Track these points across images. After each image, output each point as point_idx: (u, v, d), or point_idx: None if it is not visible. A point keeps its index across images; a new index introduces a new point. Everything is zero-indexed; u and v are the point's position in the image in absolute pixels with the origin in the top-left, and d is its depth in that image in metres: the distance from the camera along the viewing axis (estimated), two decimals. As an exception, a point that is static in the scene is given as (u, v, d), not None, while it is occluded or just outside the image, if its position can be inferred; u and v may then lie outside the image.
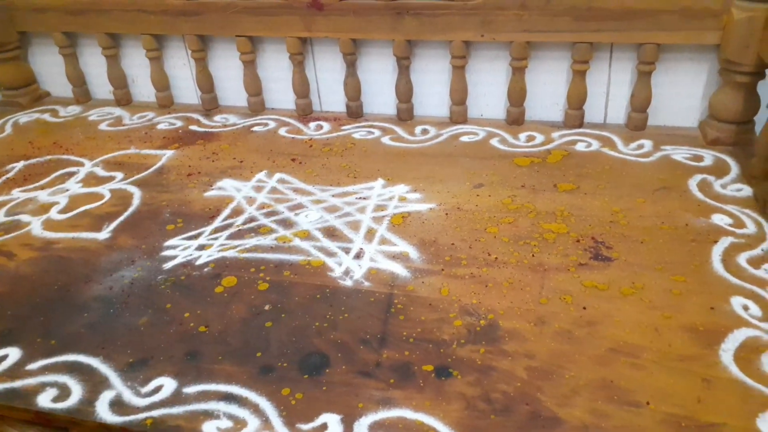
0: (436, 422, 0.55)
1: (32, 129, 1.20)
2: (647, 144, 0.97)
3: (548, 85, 1.04)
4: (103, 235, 0.85)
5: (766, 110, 0.87)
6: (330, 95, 1.18)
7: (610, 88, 1.03)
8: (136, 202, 0.92)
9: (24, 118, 1.25)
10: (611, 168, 0.92)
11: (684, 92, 0.99)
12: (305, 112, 1.17)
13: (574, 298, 0.68)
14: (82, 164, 1.05)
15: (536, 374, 0.59)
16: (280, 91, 1.20)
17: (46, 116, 1.25)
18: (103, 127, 1.18)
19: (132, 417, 0.58)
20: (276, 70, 1.17)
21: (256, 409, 0.57)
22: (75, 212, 0.91)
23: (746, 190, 0.83)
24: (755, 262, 0.71)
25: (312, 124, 1.13)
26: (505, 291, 0.69)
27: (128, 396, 0.60)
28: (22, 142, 1.15)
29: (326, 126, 1.12)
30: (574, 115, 1.03)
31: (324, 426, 0.55)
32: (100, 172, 1.02)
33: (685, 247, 0.74)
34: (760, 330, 0.62)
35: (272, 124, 1.14)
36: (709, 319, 0.63)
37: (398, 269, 0.74)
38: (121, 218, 0.89)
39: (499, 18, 0.97)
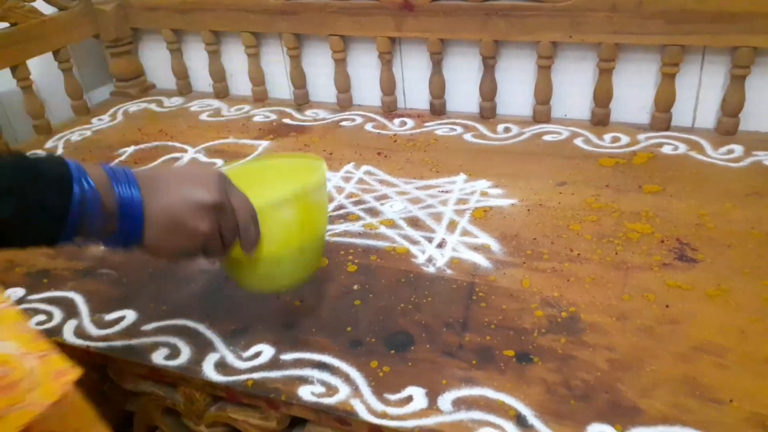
0: (516, 402, 0.57)
1: (141, 117, 1.31)
2: (738, 149, 0.95)
3: (635, 88, 1.04)
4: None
5: None
6: (414, 93, 1.22)
7: (701, 92, 1.01)
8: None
9: (133, 107, 1.36)
10: (699, 172, 0.91)
11: (780, 97, 0.97)
12: (390, 109, 1.22)
13: (657, 296, 0.68)
14: (185, 150, 1.13)
15: (617, 366, 0.60)
16: (366, 89, 1.25)
17: (153, 106, 1.36)
18: (203, 117, 1.27)
19: (235, 378, 0.64)
20: (365, 67, 1.22)
21: (347, 378, 0.62)
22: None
23: None
24: None
25: (396, 120, 1.17)
26: (587, 286, 0.71)
27: (231, 359, 0.66)
28: (132, 129, 1.25)
29: (410, 122, 1.16)
30: (662, 118, 1.02)
31: (410, 398, 0.59)
32: (202, 158, 1.10)
33: (773, 251, 0.73)
34: None
35: (359, 120, 1.19)
36: (800, 325, 0.63)
37: (480, 260, 0.77)
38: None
39: (588, 19, 0.98)
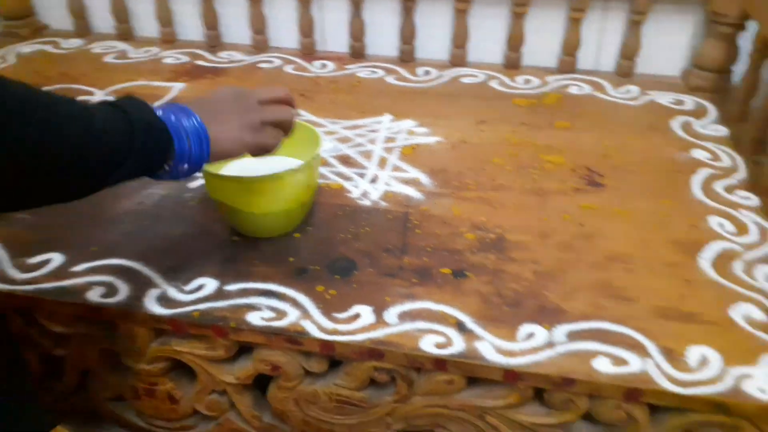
0: (455, 311, 0.63)
1: (36, 59, 1.21)
2: (634, 89, 1.05)
3: (545, 33, 1.10)
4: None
5: (745, 60, 0.95)
6: (333, 35, 1.22)
7: (603, 37, 1.09)
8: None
9: (26, 48, 1.26)
10: (602, 109, 0.99)
11: (670, 42, 1.07)
12: (309, 51, 1.21)
13: (572, 216, 0.76)
14: (92, 93, 1.07)
15: (542, 276, 0.67)
16: (283, 30, 1.23)
17: (49, 47, 1.26)
18: (108, 59, 1.20)
19: (180, 309, 0.64)
20: (281, 8, 1.20)
21: (294, 303, 0.64)
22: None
23: (722, 131, 0.92)
24: (729, 189, 0.80)
25: (316, 63, 1.17)
26: (511, 211, 0.77)
27: (173, 293, 0.66)
28: (28, 71, 1.16)
29: (330, 65, 1.16)
30: (568, 61, 1.10)
31: (357, 315, 0.63)
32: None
33: (669, 177, 0.82)
34: (732, 242, 0.71)
35: (277, 62, 1.18)
36: (690, 234, 0.72)
37: (411, 192, 0.81)
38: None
39: (503, -36, 1.03)
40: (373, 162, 0.87)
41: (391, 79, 1.10)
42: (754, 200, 0.78)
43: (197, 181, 0.83)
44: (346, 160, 0.88)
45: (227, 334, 0.63)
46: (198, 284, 0.67)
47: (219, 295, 0.66)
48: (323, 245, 0.72)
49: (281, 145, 0.62)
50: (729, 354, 0.58)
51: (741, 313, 0.62)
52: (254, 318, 0.63)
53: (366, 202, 0.79)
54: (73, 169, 0.45)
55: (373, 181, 0.83)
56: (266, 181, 0.67)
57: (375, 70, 1.13)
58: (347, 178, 0.84)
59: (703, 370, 0.56)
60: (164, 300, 0.65)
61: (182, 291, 0.66)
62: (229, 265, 0.69)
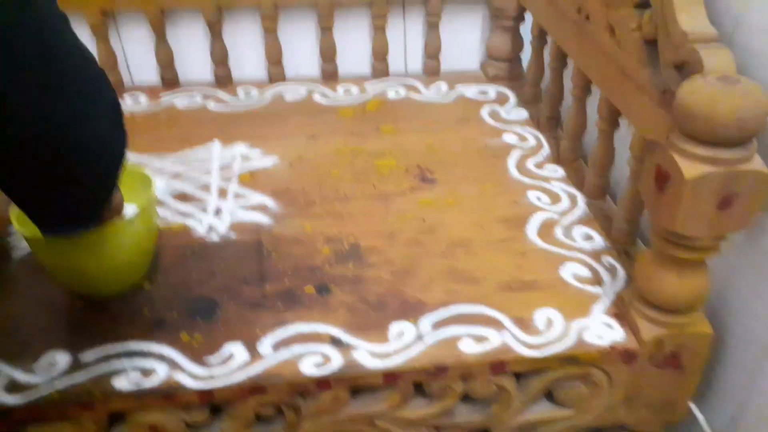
0: (328, 328, 0.64)
1: None
2: (443, 86, 1.14)
3: (356, 41, 1.16)
4: None
5: (529, 47, 1.08)
6: (139, 67, 1.16)
7: (407, 40, 1.17)
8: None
9: None
10: (420, 109, 1.07)
11: (465, 39, 1.18)
12: (116, 88, 1.14)
13: (414, 213, 0.81)
14: None
15: (398, 275, 0.71)
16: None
17: None
18: None
19: (36, 395, 0.58)
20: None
21: (160, 357, 0.61)
22: None
23: (523, 113, 1.04)
24: (539, 165, 0.91)
25: (128, 98, 1.11)
26: (359, 218, 0.80)
27: (22, 376, 0.60)
28: None
29: (143, 99, 1.11)
30: (381, 67, 1.16)
31: (230, 355, 0.62)
32: None
33: (487, 162, 0.91)
34: (550, 212, 0.81)
35: (83, 104, 1.09)
36: (515, 211, 0.81)
37: (260, 217, 0.80)
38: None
39: (303, -20, 1.05)
40: (213, 194, 0.85)
41: (211, 105, 1.08)
42: (560, 171, 0.90)
43: (19, 251, 0.75)
44: (183, 197, 0.85)
45: (94, 407, 0.59)
46: (49, 361, 0.61)
47: (75, 367, 0.61)
48: (177, 290, 0.69)
49: None
50: (567, 311, 0.67)
51: (569, 272, 0.72)
52: (121, 383, 0.59)
53: (214, 237, 0.77)
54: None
55: (217, 213, 0.81)
56: (103, 234, 0.63)
57: (192, 97, 1.10)
58: (188, 216, 0.81)
59: (551, 330, 0.64)
60: (13, 387, 0.59)
61: (32, 372, 0.60)
62: (80, 332, 0.64)
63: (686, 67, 0.59)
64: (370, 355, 0.61)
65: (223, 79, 1.14)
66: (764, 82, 0.57)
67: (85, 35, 1.10)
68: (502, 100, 1.08)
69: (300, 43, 1.15)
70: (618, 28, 0.71)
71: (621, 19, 0.70)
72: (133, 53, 1.14)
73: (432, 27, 1.14)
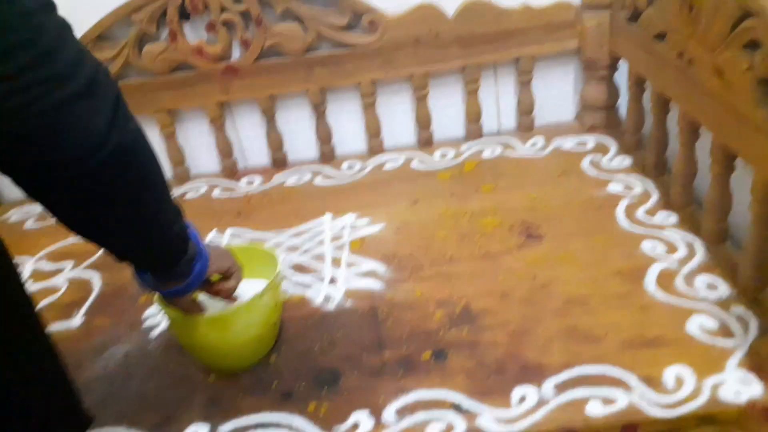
0: (449, 394, 0.65)
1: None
2: (540, 141, 1.14)
3: (449, 107, 1.20)
4: (77, 321, 0.87)
5: (625, 95, 1.07)
6: (253, 150, 1.26)
7: (500, 100, 1.20)
8: (97, 284, 0.95)
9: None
10: (517, 165, 1.08)
11: (559, 92, 1.18)
12: (232, 171, 1.24)
13: (524, 271, 0.81)
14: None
15: (515, 336, 0.71)
16: (201, 157, 1.26)
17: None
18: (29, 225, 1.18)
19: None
20: (198, 136, 1.24)
21: (290, 428, 0.64)
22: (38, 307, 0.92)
23: (627, 160, 1.02)
24: (651, 212, 0.88)
25: (243, 181, 1.20)
26: (468, 279, 0.81)
27: (167, 449, 0.65)
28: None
29: (257, 179, 1.20)
30: (474, 129, 1.19)
31: (356, 424, 0.64)
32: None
33: (594, 214, 0.90)
34: (668, 262, 0.78)
35: (204, 188, 1.20)
36: (630, 263, 0.79)
37: (372, 284, 0.84)
38: (89, 302, 0.91)
39: (398, 56, 1.12)
40: (327, 263, 0.90)
41: (319, 180, 1.15)
42: (673, 217, 0.86)
43: (157, 329, 0.82)
44: (300, 268, 0.90)
45: (232, 478, 0.62)
46: (192, 433, 0.66)
47: (214, 439, 0.65)
48: (302, 361, 0.73)
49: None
50: (698, 367, 0.63)
51: (697, 325, 0.68)
52: (257, 454, 0.62)
53: (331, 306, 0.81)
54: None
55: (332, 282, 0.86)
56: (237, 313, 0.68)
57: (302, 175, 1.18)
58: (306, 286, 0.86)
59: (682, 388, 0.61)
60: (159, 460, 0.64)
61: (176, 445, 0.65)
62: (215, 406, 0.69)
63: (806, 105, 0.57)
64: (494, 420, 0.61)
65: (328, 155, 1.21)
66: None
67: (203, 126, 1.22)
68: (602, 149, 1.07)
69: (396, 115, 1.21)
70: (727, 70, 0.69)
71: (729, 61, 0.68)
72: (246, 139, 1.24)
73: (524, 85, 1.16)
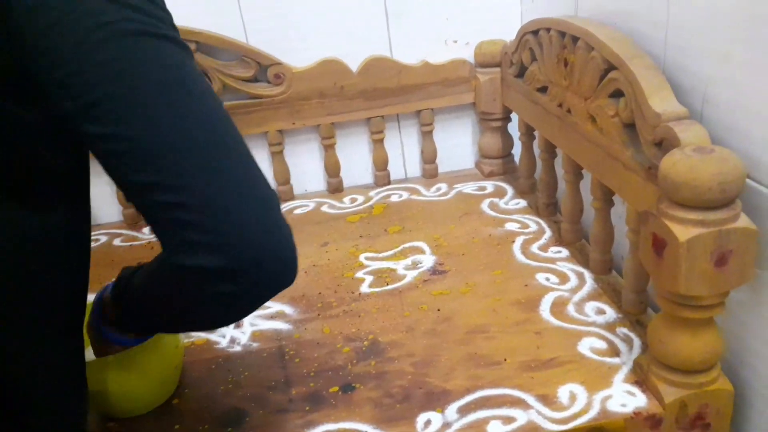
0: (356, 425, 0.65)
1: None
2: (443, 186, 1.20)
3: (356, 155, 1.24)
4: None
5: (518, 143, 1.16)
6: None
7: (404, 149, 1.26)
8: None
9: None
10: (423, 209, 1.12)
11: (459, 142, 1.26)
12: (135, 221, 1.21)
13: (429, 305, 0.84)
14: None
15: (420, 366, 0.72)
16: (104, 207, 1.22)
17: None
18: None
19: None
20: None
21: (193, 471, 0.62)
22: None
23: (522, 203, 1.09)
24: (543, 248, 0.94)
25: (145, 229, 1.17)
26: (375, 315, 0.83)
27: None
28: None
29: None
30: (382, 176, 1.23)
31: (262, 460, 0.62)
32: None
33: (494, 250, 0.95)
34: (560, 291, 0.84)
35: (103, 238, 1.16)
36: (527, 293, 0.84)
37: (279, 325, 0.83)
38: None
39: (304, 107, 1.15)
40: (233, 307, 0.88)
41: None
42: (564, 252, 0.93)
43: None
44: (205, 313, 0.88)
45: None
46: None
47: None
48: (206, 402, 0.71)
49: None
50: (589, 383, 0.67)
51: (587, 346, 0.73)
52: (154, 501, 0.59)
53: (237, 348, 0.79)
54: None
55: (238, 326, 0.84)
56: (135, 353, 0.66)
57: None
58: (209, 331, 0.84)
59: (575, 404, 0.65)
60: None
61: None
62: (111, 454, 0.65)
63: (665, 144, 0.64)
64: (400, 448, 0.62)
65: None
66: (737, 150, 0.62)
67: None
68: (500, 193, 1.14)
69: (305, 163, 1.23)
70: (598, 116, 0.78)
71: (599, 109, 0.77)
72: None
73: (426, 135, 1.22)
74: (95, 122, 0.42)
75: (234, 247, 0.42)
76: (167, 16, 0.47)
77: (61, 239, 0.49)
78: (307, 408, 0.68)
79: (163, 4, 0.47)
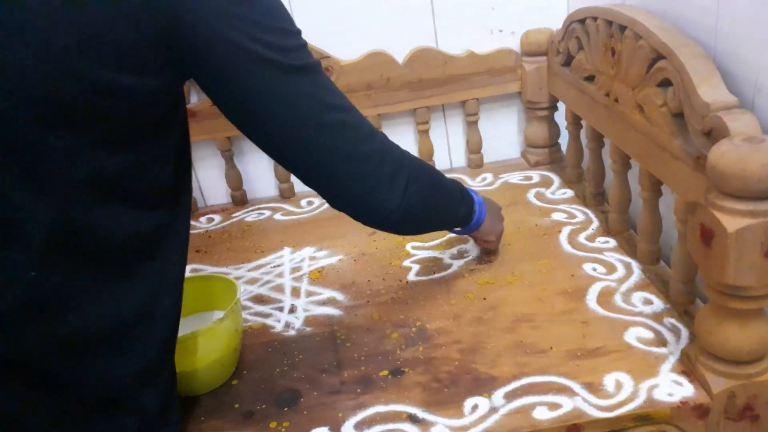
0: (404, 407, 0.68)
1: None
2: (488, 176, 1.21)
3: (402, 146, 1.25)
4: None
5: (565, 133, 1.16)
6: (212, 190, 1.29)
7: (450, 139, 1.27)
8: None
9: None
10: (469, 199, 1.14)
11: (505, 132, 1.26)
12: (192, 211, 1.26)
13: (475, 294, 0.85)
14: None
15: (467, 353, 0.75)
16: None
17: None
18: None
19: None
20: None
21: (252, 446, 0.66)
22: None
23: (569, 192, 1.09)
24: (591, 238, 0.95)
25: (202, 219, 1.22)
26: (422, 302, 0.85)
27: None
28: None
29: (217, 218, 1.22)
30: (428, 166, 1.25)
31: (317, 440, 0.65)
32: None
33: (540, 240, 0.96)
34: (607, 281, 0.84)
35: (164, 227, 1.22)
36: (573, 283, 0.85)
37: (331, 311, 0.87)
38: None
39: (352, 99, 1.17)
40: (287, 294, 0.92)
41: (279, 216, 1.18)
42: (611, 242, 0.93)
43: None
44: (260, 299, 0.92)
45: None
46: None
47: (175, 463, 0.65)
48: (263, 383, 0.75)
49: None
50: (635, 372, 0.68)
51: (634, 336, 0.74)
52: (218, 473, 0.63)
53: (291, 333, 0.83)
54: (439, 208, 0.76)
55: (292, 311, 0.88)
56: (198, 336, 0.70)
57: (262, 211, 1.21)
58: (267, 316, 0.88)
59: (621, 392, 0.66)
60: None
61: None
62: (179, 427, 0.69)
63: (714, 133, 0.64)
64: (448, 430, 0.64)
65: (288, 192, 1.25)
66: (788, 137, 0.61)
67: (165, 166, 1.24)
68: (546, 183, 1.14)
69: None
70: (646, 106, 0.77)
71: (647, 98, 0.76)
72: (205, 179, 1.27)
73: (471, 125, 1.23)
74: None
75: None
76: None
77: (162, 235, 0.57)
78: (359, 390, 0.71)
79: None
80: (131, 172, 0.53)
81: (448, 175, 0.78)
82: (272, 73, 0.54)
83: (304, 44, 0.57)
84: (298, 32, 0.57)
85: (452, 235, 1.01)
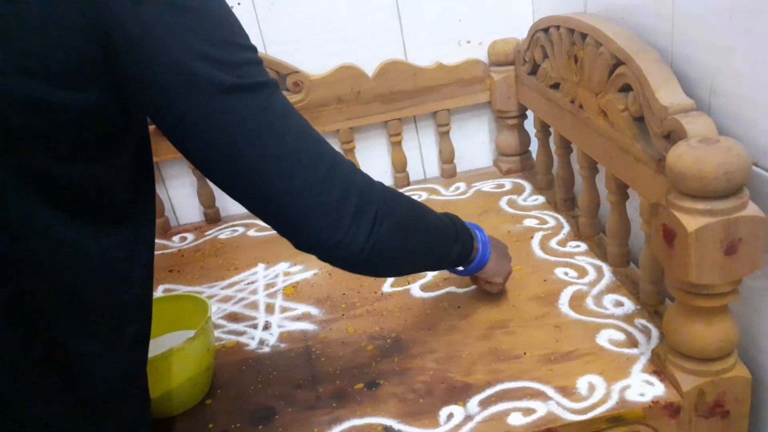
0: (380, 419, 0.68)
1: None
2: (462, 185, 1.22)
3: (375, 158, 1.26)
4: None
5: (535, 140, 1.17)
6: (184, 209, 1.27)
7: (423, 150, 1.28)
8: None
9: None
10: (443, 207, 1.13)
11: (476, 141, 1.28)
12: (164, 230, 1.25)
13: (449, 303, 0.86)
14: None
15: (442, 362, 0.75)
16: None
17: None
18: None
19: None
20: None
21: (227, 466, 0.65)
22: None
23: (540, 199, 1.11)
24: (562, 243, 0.96)
25: (175, 238, 1.21)
26: (398, 314, 0.85)
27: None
28: None
29: (190, 236, 1.21)
30: (401, 177, 1.26)
31: (292, 456, 0.65)
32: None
33: (513, 246, 0.96)
34: (579, 285, 0.85)
35: (137, 247, 1.20)
36: (546, 288, 0.85)
37: (306, 326, 0.86)
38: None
39: (323, 113, 1.18)
40: (261, 311, 0.92)
41: (252, 233, 1.17)
42: (582, 246, 0.94)
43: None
44: (234, 317, 0.91)
45: None
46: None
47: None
48: (238, 402, 0.74)
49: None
50: (607, 374, 0.69)
51: (606, 338, 0.74)
52: (192, 496, 0.62)
53: (266, 350, 0.83)
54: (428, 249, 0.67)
55: (266, 328, 0.87)
56: (168, 356, 0.69)
57: (235, 228, 1.20)
58: (241, 333, 0.87)
59: (594, 394, 0.66)
60: None
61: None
62: (150, 452, 0.68)
63: (672, 136, 0.66)
64: (423, 440, 0.64)
65: (261, 207, 1.25)
66: (744, 139, 0.63)
67: (136, 186, 1.23)
68: (518, 190, 1.15)
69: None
70: (609, 111, 0.79)
71: (609, 103, 0.78)
72: (177, 197, 1.26)
73: (443, 136, 1.24)
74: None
75: None
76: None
77: (125, 255, 0.53)
78: (334, 404, 0.71)
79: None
80: (79, 183, 0.49)
81: (422, 186, 0.77)
82: (208, 91, 0.47)
83: (258, 61, 0.51)
84: (251, 48, 0.51)
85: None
